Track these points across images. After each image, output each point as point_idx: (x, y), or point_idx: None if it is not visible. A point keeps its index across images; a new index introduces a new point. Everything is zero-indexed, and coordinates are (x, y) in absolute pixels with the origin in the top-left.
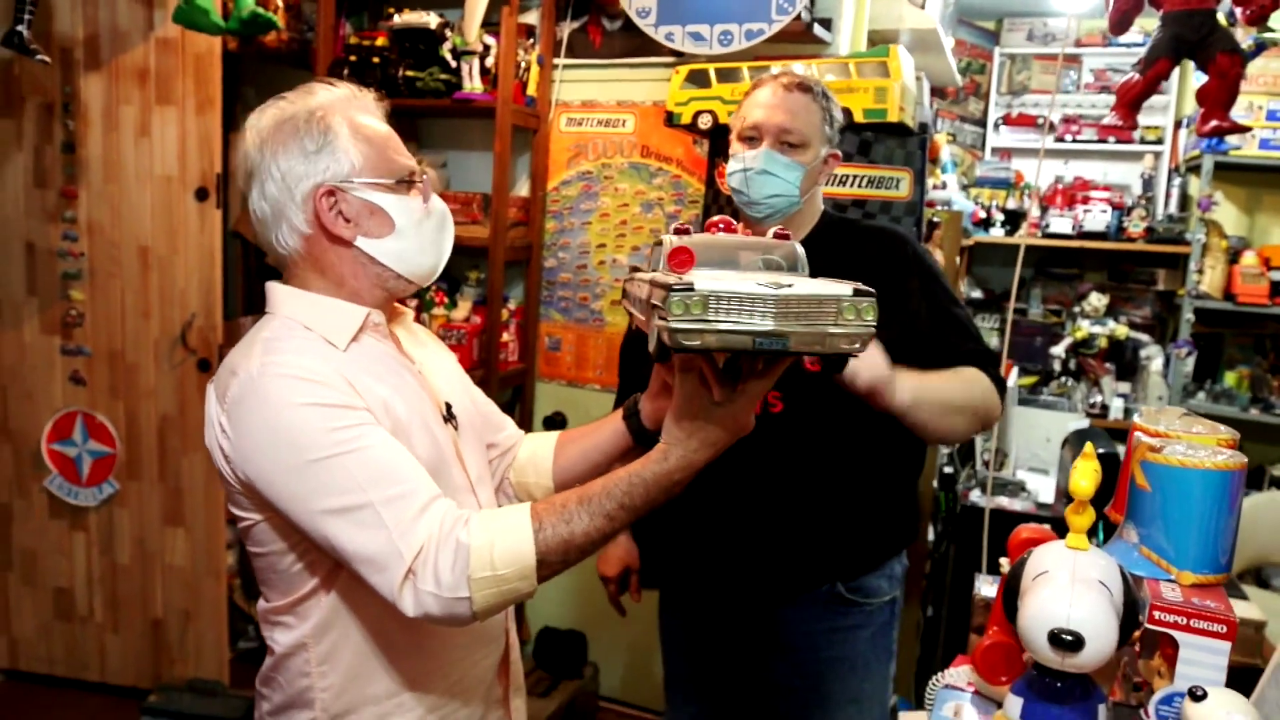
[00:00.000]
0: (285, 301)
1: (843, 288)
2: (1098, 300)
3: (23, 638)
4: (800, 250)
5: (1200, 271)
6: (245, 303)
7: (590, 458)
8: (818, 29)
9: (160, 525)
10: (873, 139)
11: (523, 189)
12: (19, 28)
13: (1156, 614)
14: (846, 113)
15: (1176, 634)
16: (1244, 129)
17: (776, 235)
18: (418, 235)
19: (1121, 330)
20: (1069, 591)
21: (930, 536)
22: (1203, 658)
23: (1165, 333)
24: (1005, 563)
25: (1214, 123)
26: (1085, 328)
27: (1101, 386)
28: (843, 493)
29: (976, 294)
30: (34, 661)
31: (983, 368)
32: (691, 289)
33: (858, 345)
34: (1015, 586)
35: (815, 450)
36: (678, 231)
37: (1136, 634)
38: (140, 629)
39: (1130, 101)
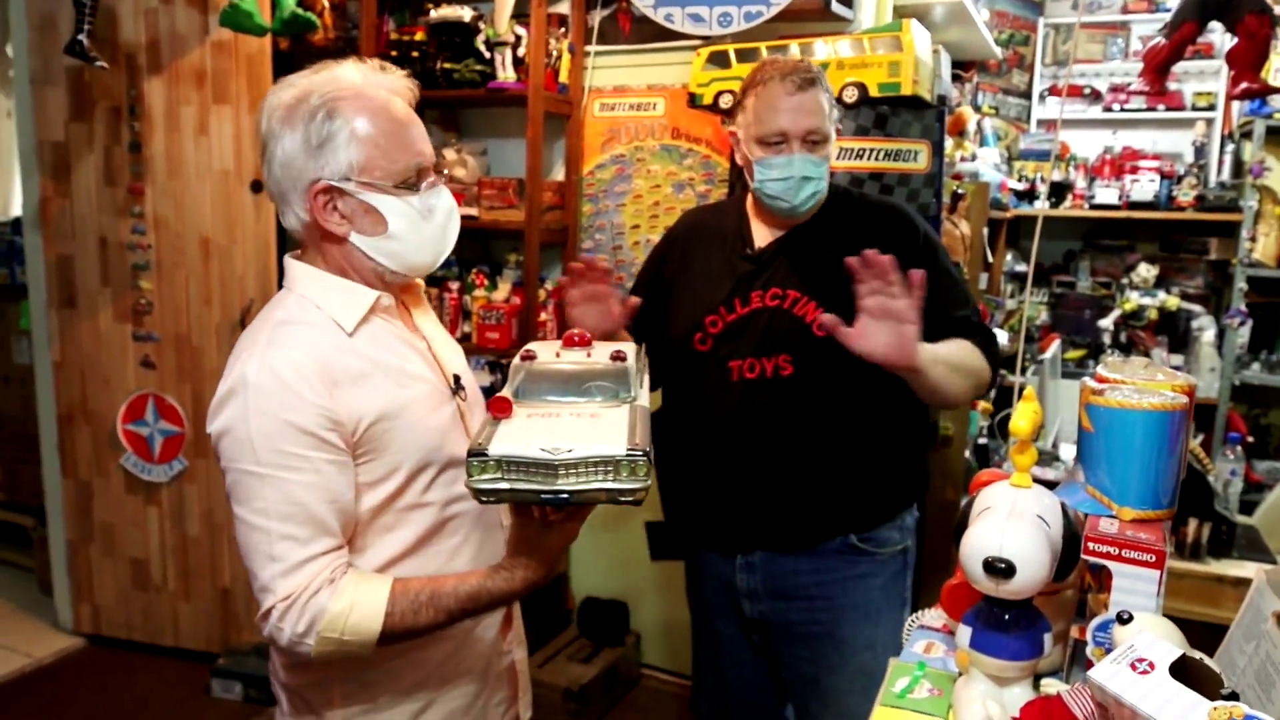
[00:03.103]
0: (300, 278)
1: (618, 448)
2: (1147, 271)
3: (104, 605)
4: (633, 369)
5: (1253, 239)
6: None
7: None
8: (837, 6)
9: (226, 500)
10: (889, 113)
11: (558, 173)
12: (80, 36)
13: (1091, 545)
14: (861, 87)
15: (1110, 564)
16: (1276, 90)
17: (612, 356)
18: (415, 235)
19: (1172, 301)
20: (1004, 524)
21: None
22: (1135, 585)
23: (1219, 303)
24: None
25: (1244, 84)
26: (1135, 299)
27: (1152, 359)
28: (852, 449)
29: (1021, 267)
30: (114, 628)
31: (972, 335)
32: (486, 456)
33: (635, 498)
34: (964, 524)
35: (824, 410)
36: (524, 357)
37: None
38: (210, 596)
39: (1158, 66)
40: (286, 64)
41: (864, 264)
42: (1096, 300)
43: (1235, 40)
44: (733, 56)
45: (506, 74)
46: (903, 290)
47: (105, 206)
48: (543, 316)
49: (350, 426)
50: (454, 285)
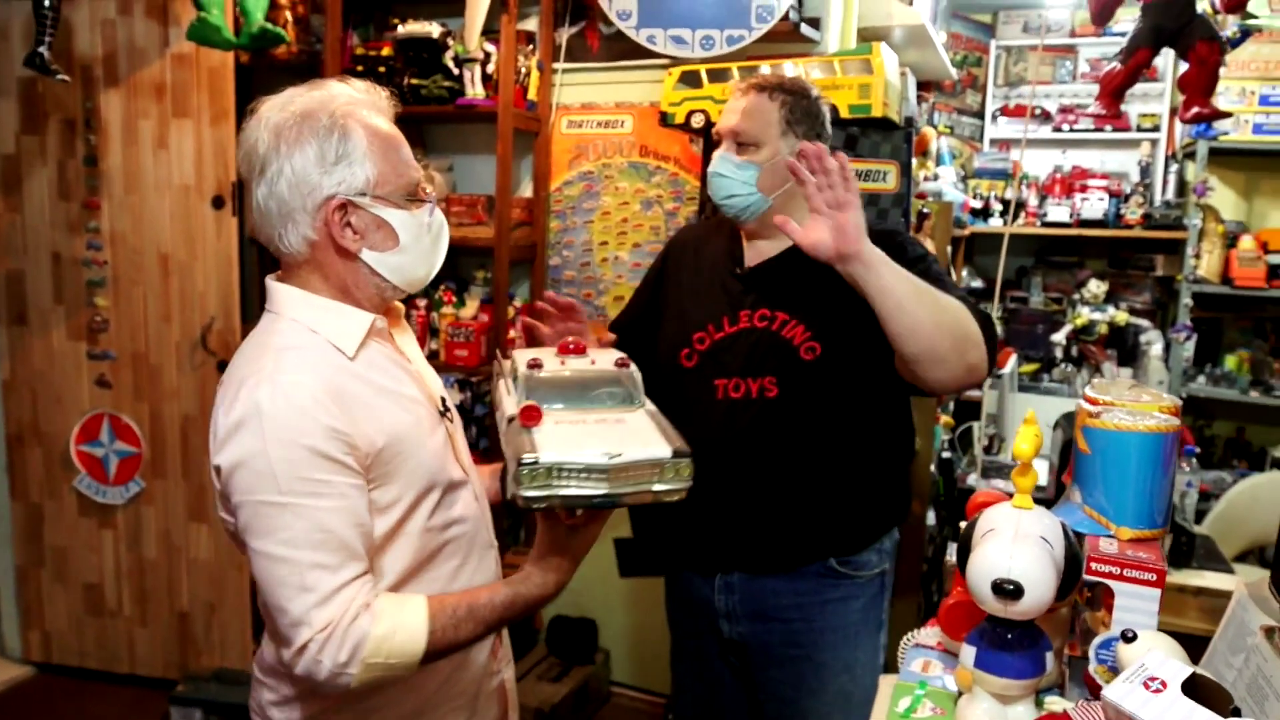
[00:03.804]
0: (290, 302)
1: (664, 450)
2: (1097, 287)
3: (55, 632)
4: (637, 375)
5: (1198, 256)
6: (261, 305)
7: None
8: (805, 28)
9: (185, 521)
10: (859, 133)
11: (526, 190)
12: (40, 49)
13: (1093, 565)
14: (832, 109)
15: (1112, 583)
16: (1224, 115)
17: (617, 364)
18: (418, 249)
19: (1121, 316)
20: (1010, 546)
21: (930, 521)
22: (1136, 604)
23: (1165, 318)
24: (964, 525)
25: (1195, 109)
26: (1085, 315)
27: (1103, 372)
28: (835, 473)
29: (977, 283)
30: (66, 655)
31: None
32: (537, 463)
33: (679, 498)
34: (968, 545)
35: (807, 434)
36: (531, 364)
37: (1087, 589)
38: (167, 622)
39: (1113, 91)
40: (246, 77)
41: (801, 157)
42: (1049, 315)
43: (1187, 67)
44: (704, 76)
45: (475, 90)
46: (841, 179)
47: (58, 221)
48: (511, 334)
49: (364, 450)
50: (421, 303)
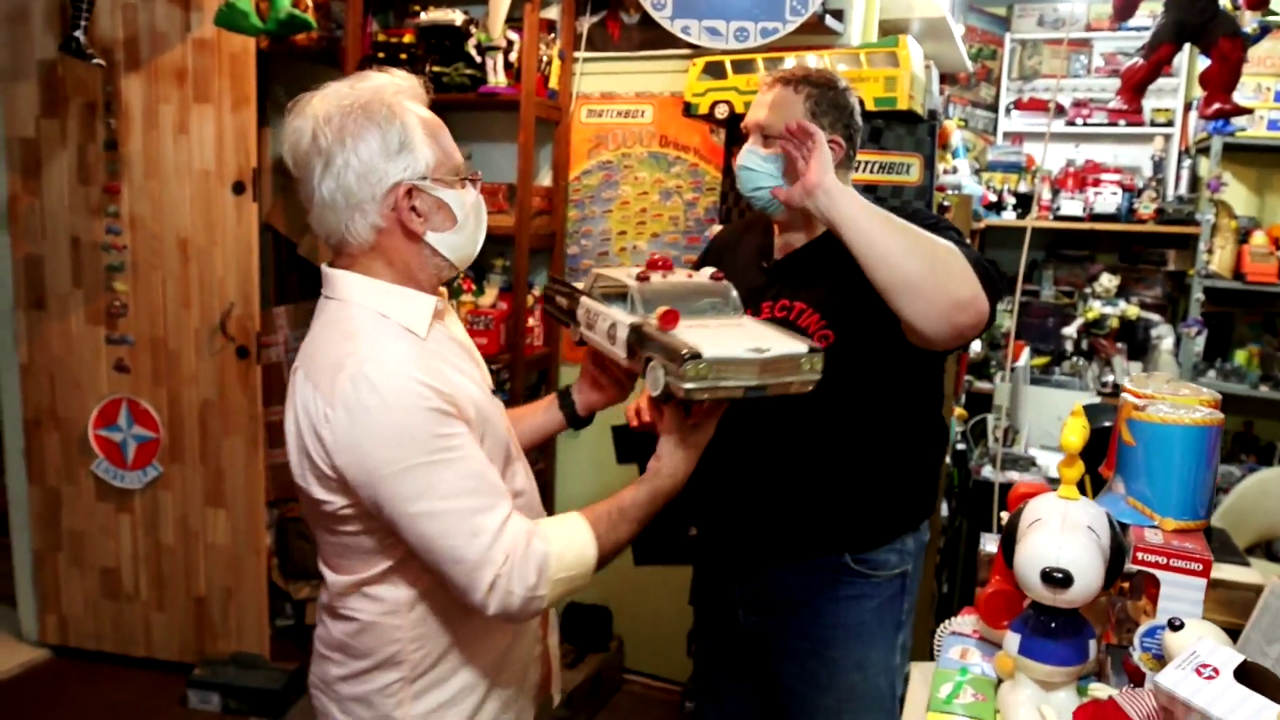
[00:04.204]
0: (356, 288)
1: (802, 346)
2: (1109, 281)
3: (71, 615)
4: (733, 288)
5: (1210, 251)
6: (277, 292)
7: (529, 436)
8: (829, 20)
9: (202, 506)
10: (884, 126)
11: (545, 179)
12: (75, 33)
13: (1140, 555)
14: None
15: (1158, 573)
16: (1246, 111)
17: (713, 277)
18: (469, 227)
19: (1132, 310)
20: (1059, 535)
21: (944, 512)
22: (1182, 593)
23: (1176, 312)
24: (1005, 516)
25: (1217, 105)
26: (1096, 308)
27: (1113, 366)
28: (849, 468)
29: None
30: (82, 638)
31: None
32: (700, 357)
33: (812, 388)
34: (1013, 535)
35: (820, 426)
36: (640, 278)
37: (1124, 578)
38: (184, 606)
39: (1135, 86)
40: (263, 64)
41: (787, 135)
42: (1060, 309)
43: (1208, 63)
44: (729, 67)
45: (498, 79)
46: (804, 133)
47: (78, 205)
48: (530, 322)
49: (465, 415)
50: (441, 290)
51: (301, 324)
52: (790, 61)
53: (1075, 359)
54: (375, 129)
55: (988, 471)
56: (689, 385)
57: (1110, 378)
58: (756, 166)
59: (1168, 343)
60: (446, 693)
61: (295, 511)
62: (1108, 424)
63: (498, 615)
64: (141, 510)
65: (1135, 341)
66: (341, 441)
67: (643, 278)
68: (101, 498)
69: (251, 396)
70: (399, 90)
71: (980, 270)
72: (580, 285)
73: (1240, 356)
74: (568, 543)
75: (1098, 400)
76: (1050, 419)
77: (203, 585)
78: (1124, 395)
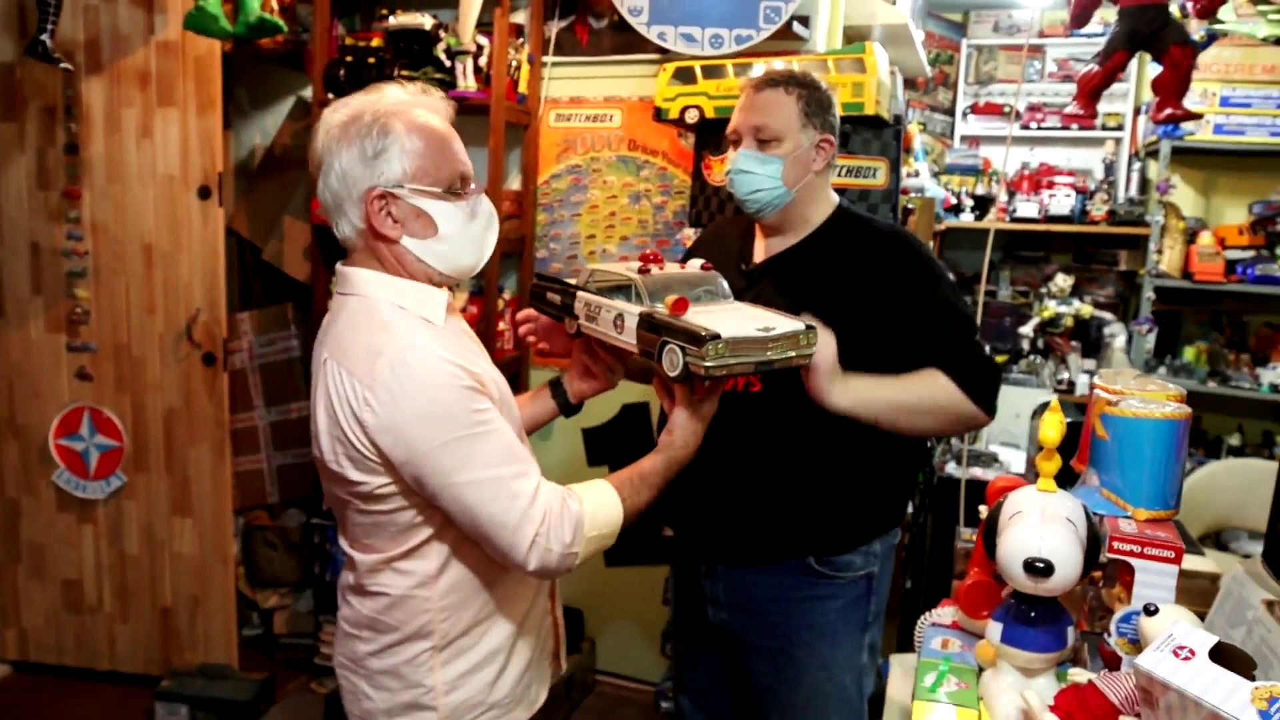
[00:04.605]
0: (369, 283)
1: (800, 324)
2: (1063, 281)
3: (32, 629)
4: (723, 280)
5: (1160, 252)
6: (241, 297)
7: (523, 424)
8: (796, 26)
9: (168, 515)
10: (850, 131)
11: (514, 183)
12: (42, 37)
13: (1115, 544)
14: None
15: (1133, 560)
16: (1196, 116)
17: (703, 268)
18: (460, 238)
19: (1086, 309)
20: (1040, 527)
21: (909, 509)
22: (1156, 580)
23: (1127, 311)
24: (984, 509)
25: (1168, 110)
26: (1052, 308)
27: (1068, 363)
28: (815, 473)
29: (949, 277)
30: (43, 652)
31: (952, 369)
32: (719, 338)
33: (807, 361)
34: (994, 527)
35: (787, 430)
36: (641, 271)
37: (1098, 567)
38: (149, 617)
39: (1090, 91)
40: (226, 65)
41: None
42: (1016, 308)
43: (1160, 70)
44: (699, 73)
45: (467, 83)
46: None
47: (37, 210)
48: (501, 326)
49: (491, 395)
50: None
51: (267, 330)
52: (760, 67)
53: (1032, 357)
54: (356, 138)
55: (952, 468)
56: (709, 364)
57: (1065, 375)
58: (755, 170)
59: (1120, 340)
60: (474, 658)
61: (262, 519)
62: (1070, 420)
63: (537, 571)
64: (105, 520)
65: (1089, 339)
66: (384, 423)
67: (643, 270)
68: (63, 508)
69: (218, 403)
70: (401, 103)
71: (981, 378)
72: (573, 281)
73: (1189, 353)
74: (599, 504)
75: (1054, 397)
76: (1009, 416)
77: (169, 595)
78: (1096, 391)
